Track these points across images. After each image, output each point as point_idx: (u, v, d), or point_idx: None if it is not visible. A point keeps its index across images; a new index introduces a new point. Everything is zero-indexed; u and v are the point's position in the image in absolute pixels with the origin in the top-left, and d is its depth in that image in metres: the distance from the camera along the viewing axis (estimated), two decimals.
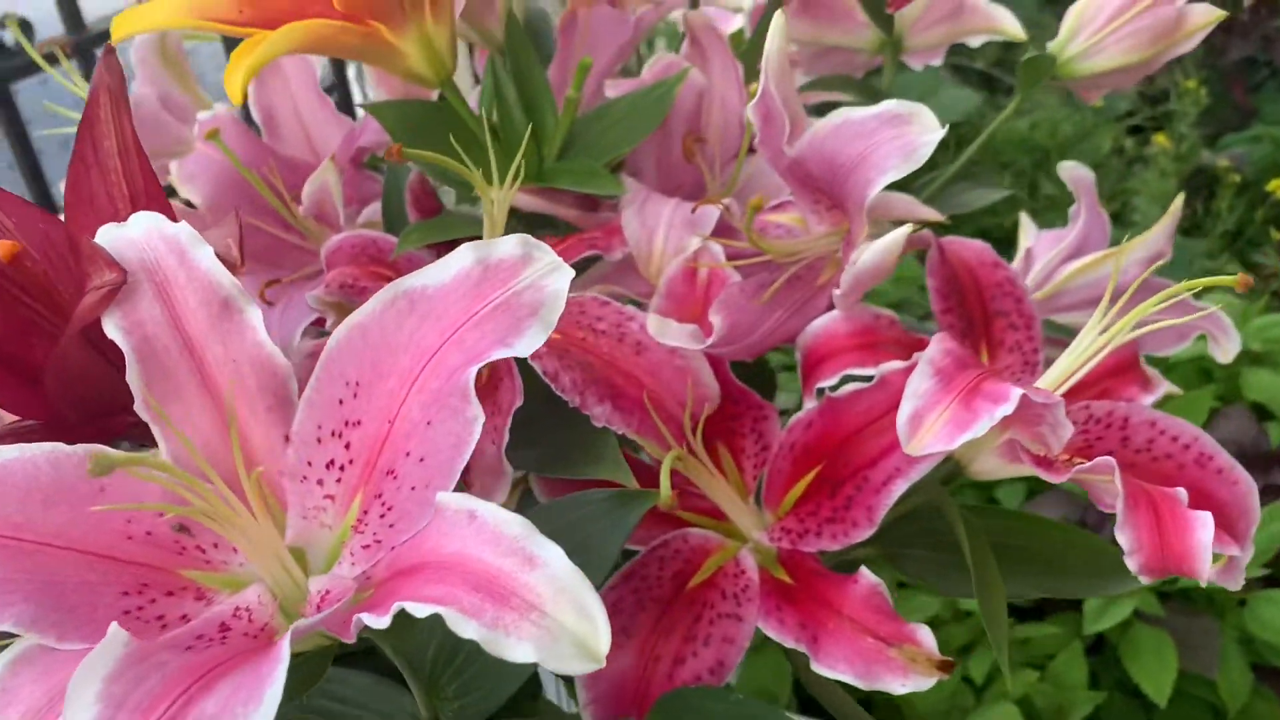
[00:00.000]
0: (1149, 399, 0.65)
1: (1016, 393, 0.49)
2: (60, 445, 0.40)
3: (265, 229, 0.71)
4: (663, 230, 0.62)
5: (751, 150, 0.74)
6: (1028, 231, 0.98)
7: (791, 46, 0.90)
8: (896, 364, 0.56)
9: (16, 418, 0.49)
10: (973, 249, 0.66)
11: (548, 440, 0.57)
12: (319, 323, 0.64)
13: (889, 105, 0.55)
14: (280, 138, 0.74)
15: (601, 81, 0.90)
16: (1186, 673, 1.41)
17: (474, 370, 0.40)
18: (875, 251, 0.52)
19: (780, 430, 0.60)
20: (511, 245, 0.43)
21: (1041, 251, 0.92)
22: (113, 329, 0.42)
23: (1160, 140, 2.59)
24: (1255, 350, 1.66)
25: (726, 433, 0.62)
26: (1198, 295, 0.84)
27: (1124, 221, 2.75)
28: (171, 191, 0.71)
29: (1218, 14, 0.81)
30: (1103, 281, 0.86)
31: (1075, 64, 0.78)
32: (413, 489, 0.41)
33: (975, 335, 0.63)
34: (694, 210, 0.64)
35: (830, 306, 0.62)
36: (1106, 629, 1.41)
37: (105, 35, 1.67)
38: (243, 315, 0.43)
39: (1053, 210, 2.71)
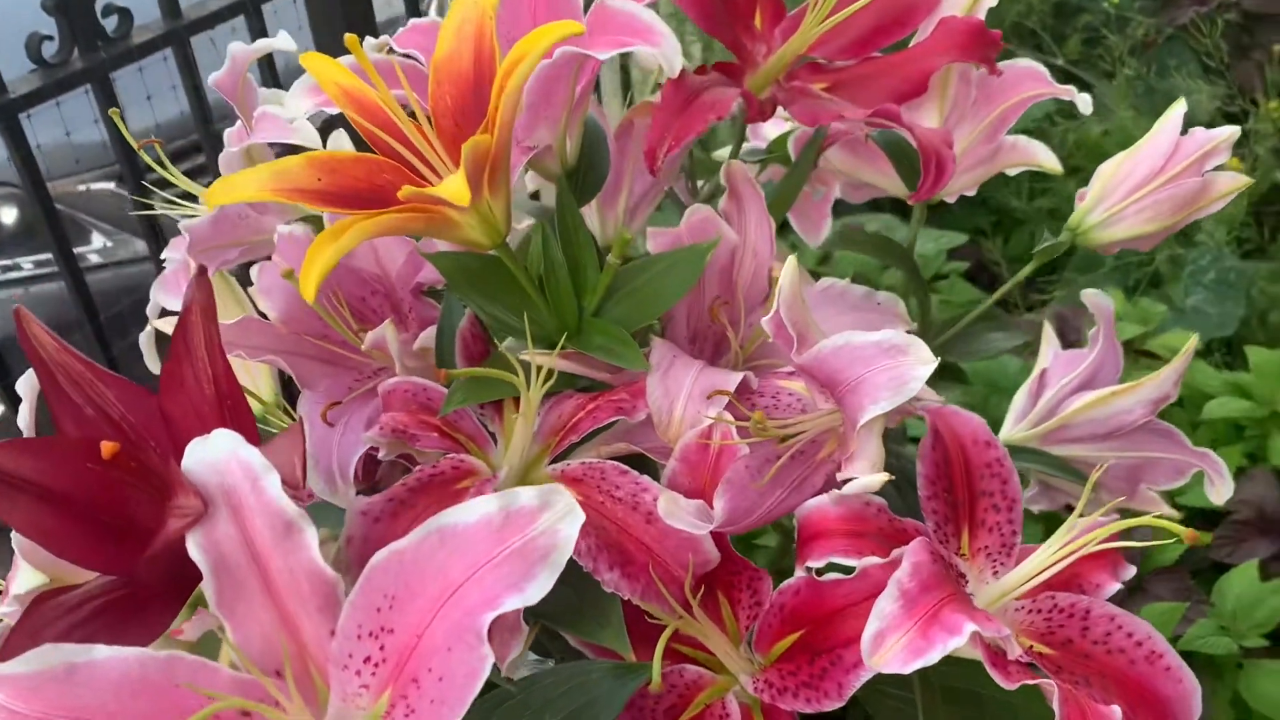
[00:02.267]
0: (1115, 585, 0.71)
1: (970, 627, 0.56)
2: (146, 652, 0.49)
3: (329, 345, 0.78)
4: (683, 401, 0.69)
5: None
6: (1048, 343, 1.03)
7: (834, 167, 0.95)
8: (876, 560, 0.63)
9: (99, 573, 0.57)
10: (968, 424, 0.71)
11: (560, 596, 0.64)
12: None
13: (888, 335, 0.61)
14: (351, 253, 0.81)
15: (650, 186, 0.96)
16: None
17: (489, 618, 0.48)
18: (860, 485, 0.59)
19: (773, 590, 0.68)
20: (531, 495, 0.50)
21: (1056, 373, 0.97)
22: (194, 549, 0.50)
23: (1233, 164, 2.56)
24: None
25: (725, 585, 0.69)
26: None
27: (1189, 239, 2.73)
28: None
29: (1244, 181, 0.85)
30: (1111, 419, 0.91)
31: (1094, 233, 0.82)
32: (432, 702, 0.49)
33: (959, 516, 0.69)
34: (713, 372, 0.70)
35: (828, 480, 0.69)
36: None
37: (200, 24, 1.75)
38: (302, 535, 0.51)
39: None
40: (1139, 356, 1.96)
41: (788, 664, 0.66)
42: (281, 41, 0.86)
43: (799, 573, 0.67)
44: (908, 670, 0.56)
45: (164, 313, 0.83)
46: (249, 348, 0.78)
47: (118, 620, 0.55)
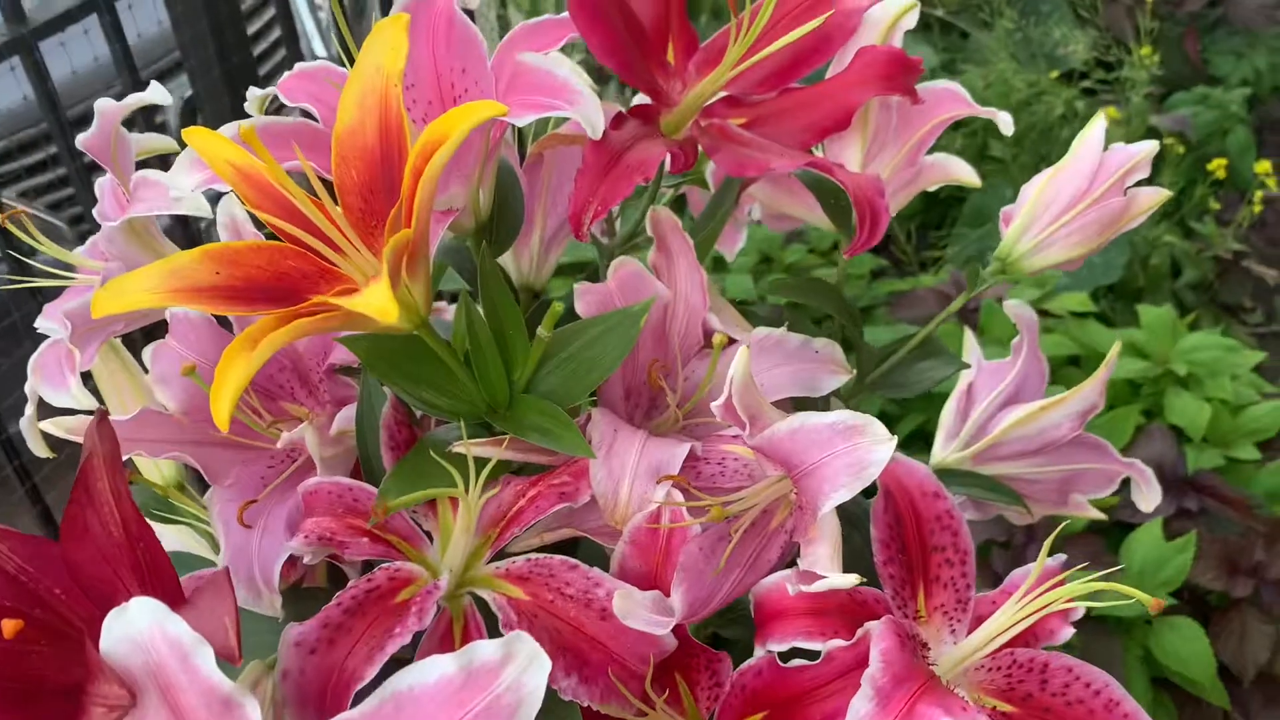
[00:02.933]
0: (1068, 630, 0.71)
1: None
2: None
3: (237, 437, 0.73)
4: (628, 482, 0.66)
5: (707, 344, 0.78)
6: (970, 350, 1.03)
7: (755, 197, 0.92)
8: (840, 643, 0.61)
9: None
10: (916, 476, 0.70)
11: None
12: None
13: (843, 416, 0.59)
14: None
15: (563, 222, 0.92)
16: None
17: None
18: (828, 585, 0.57)
19: (733, 671, 0.65)
20: (491, 650, 0.47)
21: (982, 387, 0.96)
22: None
23: (1111, 113, 2.62)
24: (1180, 372, 1.73)
25: (684, 667, 0.67)
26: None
27: None
28: None
29: (1164, 194, 0.85)
30: (1041, 434, 0.91)
31: (1023, 261, 0.81)
32: None
33: (914, 577, 0.68)
34: (657, 445, 0.67)
35: (784, 551, 0.67)
36: None
37: (48, 27, 1.61)
38: (241, 710, 0.47)
39: (1000, 175, 2.74)
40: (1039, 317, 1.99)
41: None
42: (155, 95, 0.79)
43: (759, 652, 0.65)
44: None
45: (41, 403, 0.76)
46: (150, 443, 0.72)
47: None
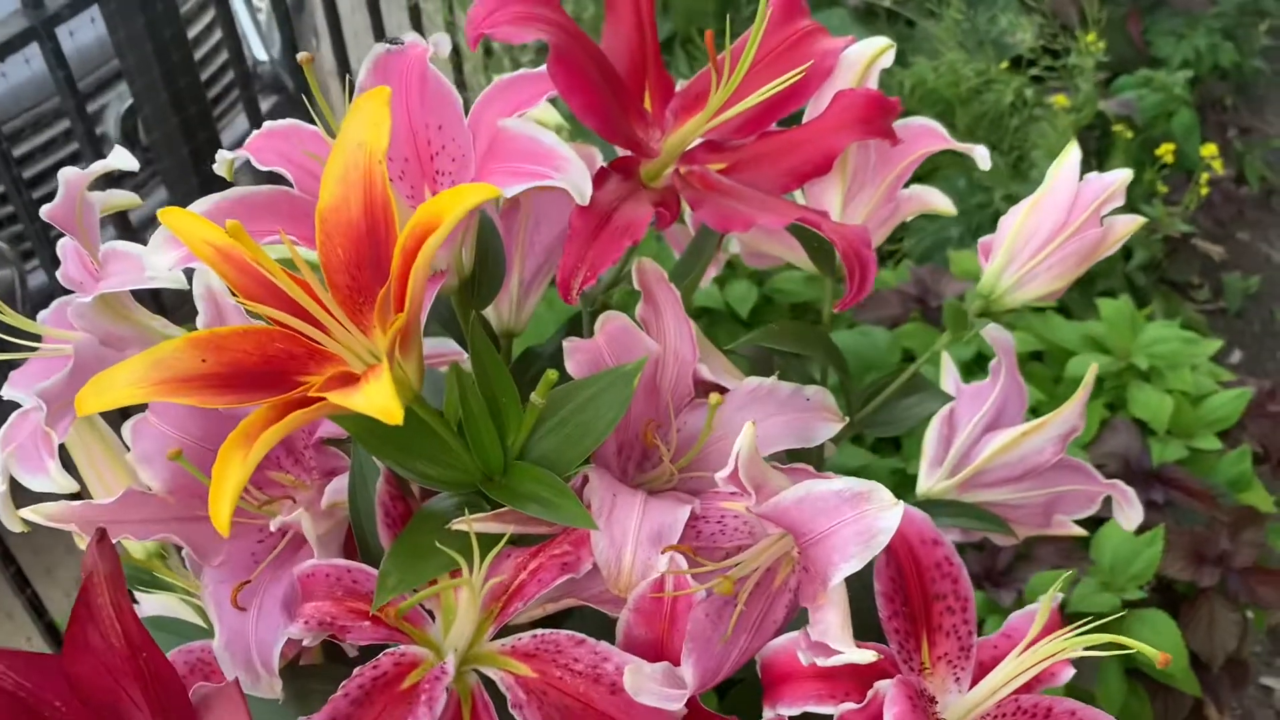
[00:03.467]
0: (1070, 672, 0.72)
1: None
2: None
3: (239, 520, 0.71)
4: (630, 549, 0.65)
5: (702, 394, 0.77)
6: (948, 375, 1.03)
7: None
8: (852, 706, 0.61)
9: None
10: (914, 524, 0.70)
11: None
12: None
13: (849, 484, 0.59)
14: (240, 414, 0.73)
15: (549, 257, 0.91)
16: (1071, 686, 1.55)
17: None
18: (844, 659, 0.57)
19: None
20: None
21: (963, 412, 0.97)
22: None
23: (1060, 101, 2.64)
24: (1141, 366, 1.76)
25: None
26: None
27: (1022, 175, 2.82)
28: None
29: (1140, 221, 0.85)
30: (1024, 460, 0.92)
31: (1006, 298, 0.82)
32: None
33: (917, 629, 0.68)
34: (658, 507, 0.67)
35: (790, 610, 0.67)
36: None
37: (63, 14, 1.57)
38: None
39: (954, 166, 2.76)
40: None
41: None
42: (120, 161, 0.77)
43: (768, 715, 0.65)
44: None
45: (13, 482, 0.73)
46: (136, 525, 0.70)
47: None
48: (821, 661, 0.58)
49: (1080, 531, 1.01)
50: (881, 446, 1.75)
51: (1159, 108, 2.92)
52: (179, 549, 0.76)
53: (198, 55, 2.64)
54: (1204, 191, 2.64)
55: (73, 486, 0.72)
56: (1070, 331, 1.86)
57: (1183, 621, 1.59)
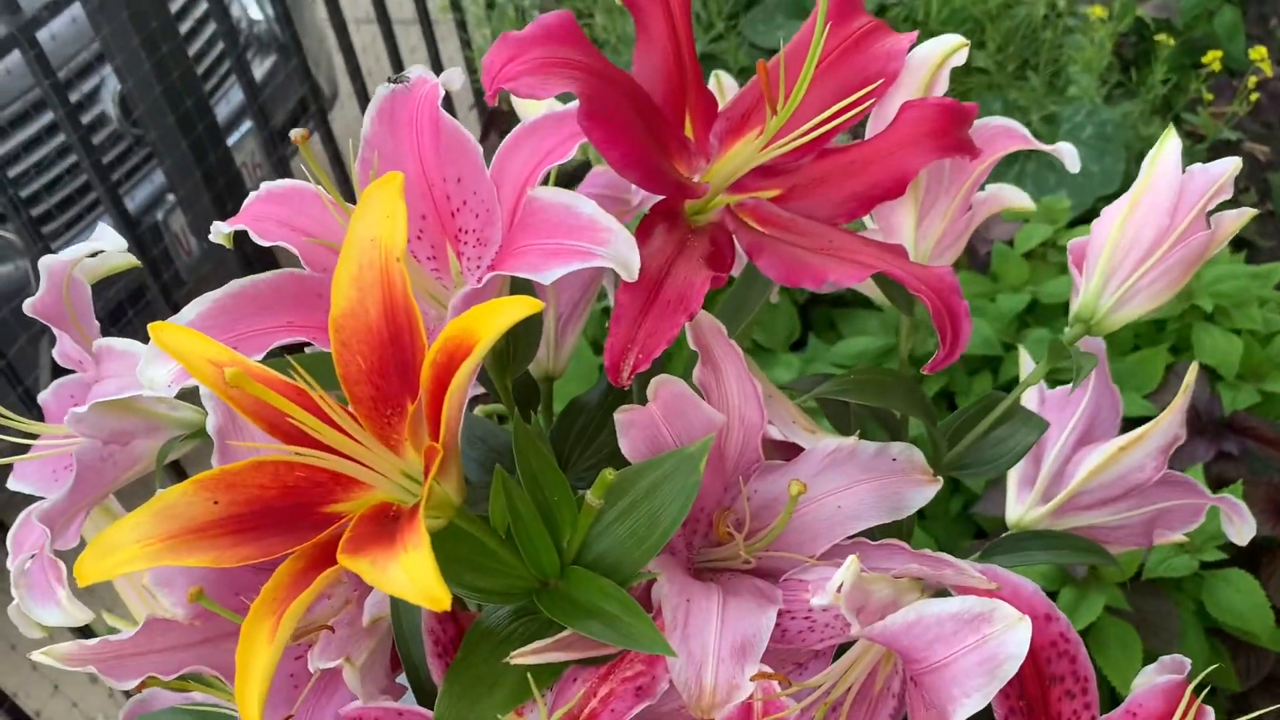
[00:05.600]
0: None
1: None
2: None
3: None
4: (712, 666, 0.58)
5: (771, 454, 0.69)
6: (1025, 368, 0.95)
7: None
8: None
9: None
10: (1023, 596, 0.63)
11: None
12: None
13: (967, 605, 0.51)
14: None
15: (577, 300, 0.83)
16: (1151, 650, 1.49)
17: None
18: None
19: None
20: None
21: (1051, 425, 0.88)
22: None
23: (1095, 11, 2.49)
24: (1205, 307, 1.65)
25: None
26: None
27: (1058, 91, 2.67)
28: None
29: (1250, 214, 0.76)
30: (1124, 478, 0.84)
31: (1107, 320, 0.73)
32: None
33: (1035, 716, 0.61)
34: (739, 611, 0.60)
35: (894, 715, 0.60)
36: (1080, 629, 1.46)
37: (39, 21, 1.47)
38: None
39: (989, 90, 2.62)
40: (1047, 251, 1.90)
41: None
42: (104, 243, 0.68)
43: None
44: None
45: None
46: (162, 655, 0.63)
47: None
48: None
49: (1180, 538, 0.93)
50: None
51: (1199, 6, 2.76)
52: None
53: (187, 22, 2.54)
54: (1253, 98, 2.49)
55: (88, 617, 0.65)
56: None
57: (1264, 577, 1.52)
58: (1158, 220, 0.72)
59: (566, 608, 0.59)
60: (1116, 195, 0.75)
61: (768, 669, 0.57)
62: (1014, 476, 0.87)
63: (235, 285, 0.61)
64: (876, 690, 0.60)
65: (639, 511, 0.61)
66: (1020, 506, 0.85)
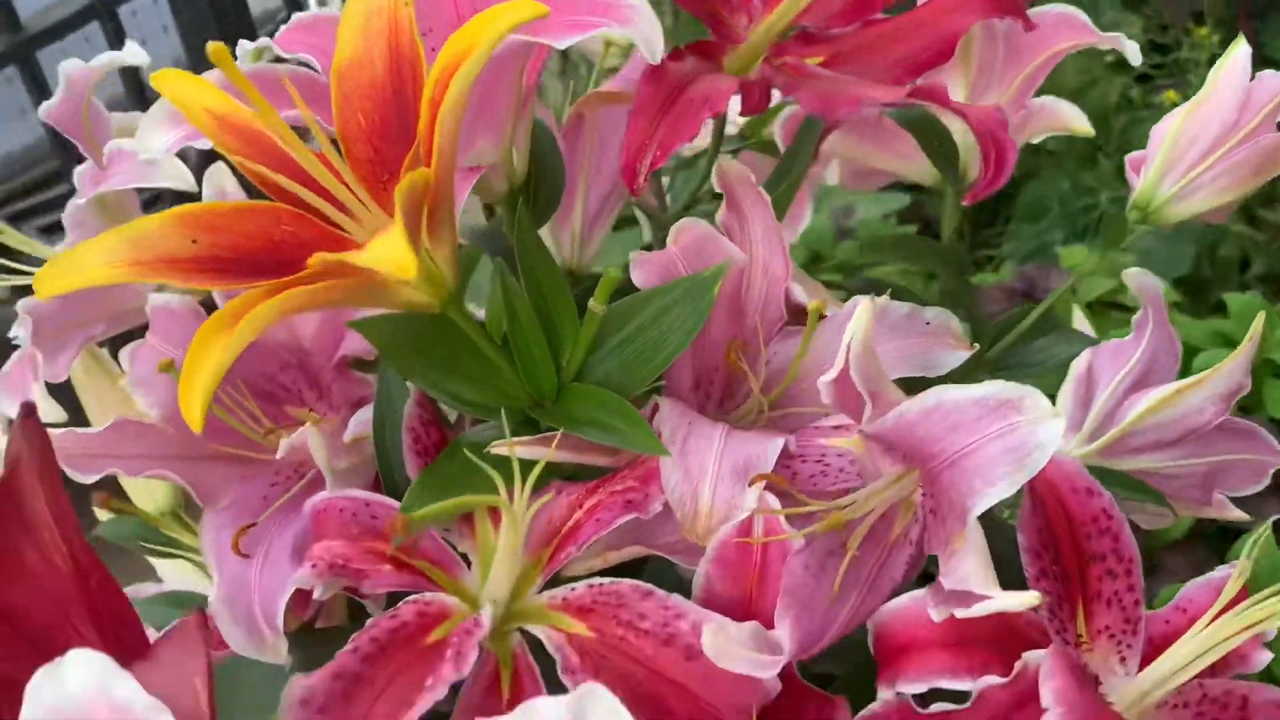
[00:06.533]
0: (1266, 656, 0.57)
1: None
2: None
3: (230, 448, 0.60)
4: (709, 484, 0.53)
5: (795, 323, 0.65)
6: (1079, 327, 0.89)
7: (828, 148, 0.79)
8: (996, 680, 0.48)
9: None
10: (1063, 469, 0.57)
11: None
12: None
13: (994, 390, 0.46)
14: None
15: (617, 185, 0.80)
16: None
17: None
18: (1003, 604, 0.43)
19: None
20: (554, 712, 0.34)
21: (1104, 369, 0.82)
22: None
23: (1170, 96, 2.47)
24: (1277, 360, 1.58)
25: (786, 714, 0.53)
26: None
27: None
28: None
29: None
30: (1181, 421, 0.77)
31: (1166, 209, 0.68)
32: None
33: (1071, 594, 0.55)
34: (742, 440, 0.55)
35: (910, 567, 0.54)
36: None
37: (45, 35, 1.52)
38: None
39: (1053, 167, 2.60)
40: (1108, 310, 1.85)
41: None
42: (130, 55, 0.67)
43: (883, 694, 0.51)
44: None
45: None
46: (128, 459, 0.60)
47: None
48: (962, 612, 0.45)
49: (1240, 515, 0.85)
50: None
51: None
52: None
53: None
54: None
55: (60, 415, 0.62)
56: (1195, 329, 1.68)
57: None
58: (1223, 117, 0.68)
59: (562, 421, 0.55)
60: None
61: (773, 481, 0.51)
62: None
63: (249, 65, 0.59)
64: (893, 537, 0.54)
65: (645, 335, 0.57)
66: (1066, 446, 0.79)
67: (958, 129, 0.69)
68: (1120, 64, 2.80)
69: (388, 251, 0.40)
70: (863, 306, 0.47)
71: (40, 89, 1.46)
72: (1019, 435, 0.45)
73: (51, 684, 0.34)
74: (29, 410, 0.39)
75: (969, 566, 0.46)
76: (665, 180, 0.84)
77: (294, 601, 0.56)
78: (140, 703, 0.34)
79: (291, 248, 0.51)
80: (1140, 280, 0.81)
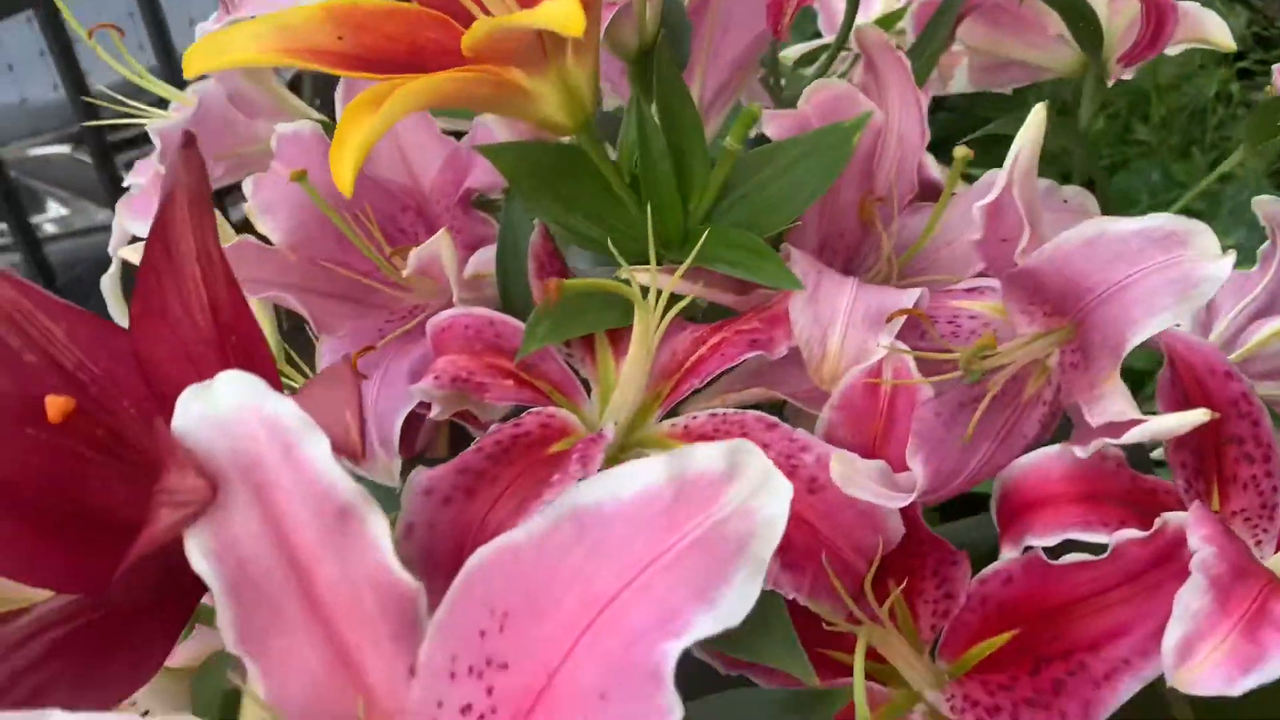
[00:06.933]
0: None
1: None
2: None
3: (352, 274, 0.60)
4: (840, 328, 0.51)
5: (924, 197, 0.63)
6: None
7: (957, 47, 0.77)
8: (1134, 534, 0.46)
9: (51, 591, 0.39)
10: (1201, 352, 0.54)
11: None
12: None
13: (1159, 222, 0.44)
14: (373, 158, 0.63)
15: (735, 73, 0.78)
16: None
17: (670, 649, 0.31)
18: (1172, 424, 0.42)
19: (970, 580, 0.51)
20: (713, 457, 0.33)
21: (1224, 301, 0.80)
22: (197, 554, 0.32)
23: (1271, 90, 2.40)
24: None
25: (902, 569, 0.52)
26: None
27: (1224, 175, 2.57)
28: (245, 226, 0.61)
29: None
30: None
31: None
32: None
33: (1206, 469, 0.53)
34: (874, 290, 0.53)
35: (1043, 428, 0.52)
36: None
37: None
38: (363, 525, 0.34)
39: (1145, 158, 2.54)
40: None
41: (997, 674, 0.49)
42: None
43: (1008, 553, 0.50)
44: (1234, 691, 0.39)
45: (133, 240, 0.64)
46: (247, 282, 0.59)
47: (85, 661, 0.38)
48: (1115, 441, 0.43)
49: None
50: None
51: None
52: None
53: None
54: None
55: None
56: None
57: None
58: None
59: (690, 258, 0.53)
60: None
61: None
62: None
63: None
64: (1025, 397, 0.52)
65: (776, 184, 0.56)
66: None
67: (1101, 11, 0.67)
68: (1221, 58, 2.73)
69: (559, 7, 0.39)
70: (1037, 110, 0.45)
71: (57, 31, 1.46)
72: (1184, 269, 0.43)
73: (201, 399, 0.34)
74: (189, 139, 0.39)
75: (1120, 403, 0.44)
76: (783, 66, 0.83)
77: (401, 439, 0.56)
78: (293, 416, 0.33)
79: (434, 54, 0.50)
80: (1268, 208, 0.78)
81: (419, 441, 0.59)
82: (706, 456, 0.33)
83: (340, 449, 0.34)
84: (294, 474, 0.33)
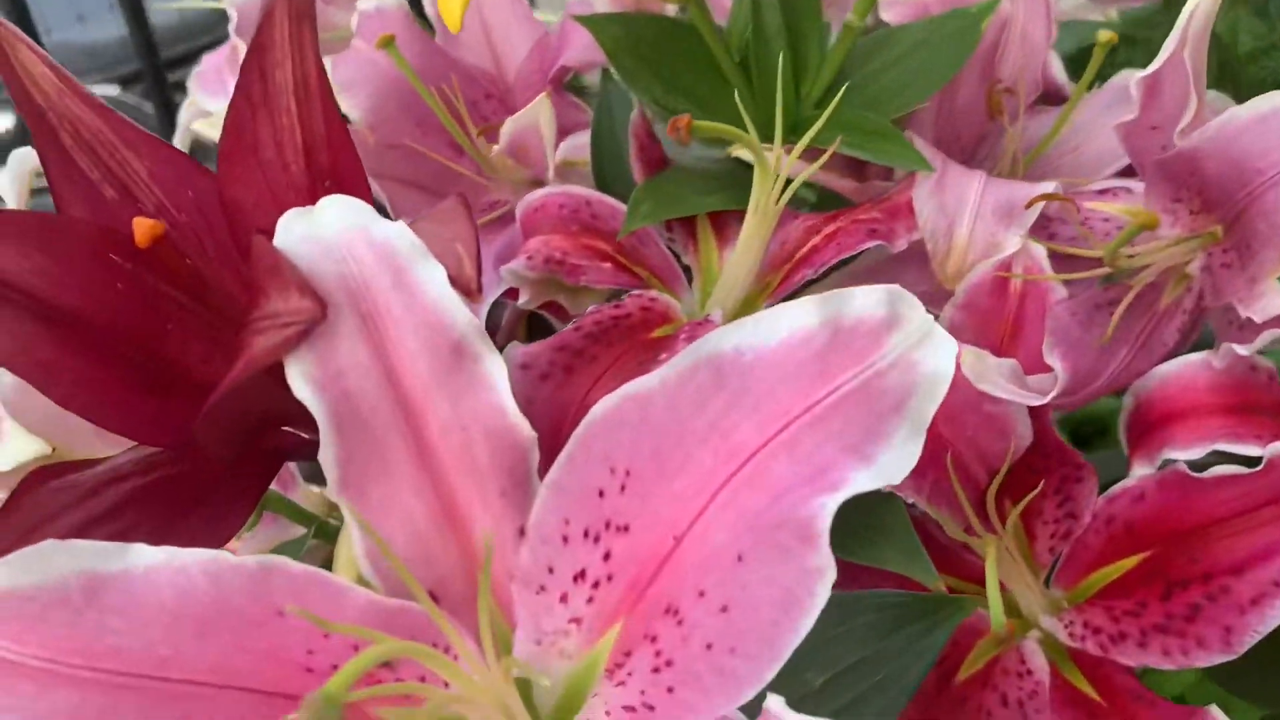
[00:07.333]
0: None
1: None
2: (223, 556, 0.28)
3: (436, 156, 0.57)
4: (968, 220, 0.47)
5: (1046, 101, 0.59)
6: None
7: None
8: None
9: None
10: None
11: None
12: (511, 293, 0.50)
13: None
14: (456, 40, 0.59)
15: None
16: None
17: (829, 504, 0.27)
18: None
19: (1097, 498, 0.47)
20: (873, 301, 0.29)
21: None
22: (301, 382, 0.29)
23: None
24: None
25: (1020, 487, 0.48)
26: None
27: None
28: None
29: None
30: None
31: None
32: (708, 647, 0.29)
33: None
34: (1003, 183, 0.49)
35: (1183, 336, 0.48)
36: None
37: None
38: (478, 365, 0.31)
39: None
40: None
41: (1123, 599, 0.45)
42: None
43: (1139, 470, 0.46)
44: None
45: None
46: None
47: (162, 514, 0.35)
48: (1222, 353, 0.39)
49: None
50: None
51: None
52: None
53: None
54: None
55: None
56: None
57: None
58: None
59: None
60: None
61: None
62: None
63: None
64: (1163, 305, 0.48)
65: (896, 70, 0.52)
66: None
67: None
68: None
69: None
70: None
71: None
72: None
73: (304, 222, 0.31)
74: None
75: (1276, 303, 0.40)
76: None
77: None
78: (404, 240, 0.30)
79: None
80: None
81: (497, 341, 0.56)
82: (865, 300, 0.29)
83: (454, 284, 0.30)
84: (405, 302, 0.30)
